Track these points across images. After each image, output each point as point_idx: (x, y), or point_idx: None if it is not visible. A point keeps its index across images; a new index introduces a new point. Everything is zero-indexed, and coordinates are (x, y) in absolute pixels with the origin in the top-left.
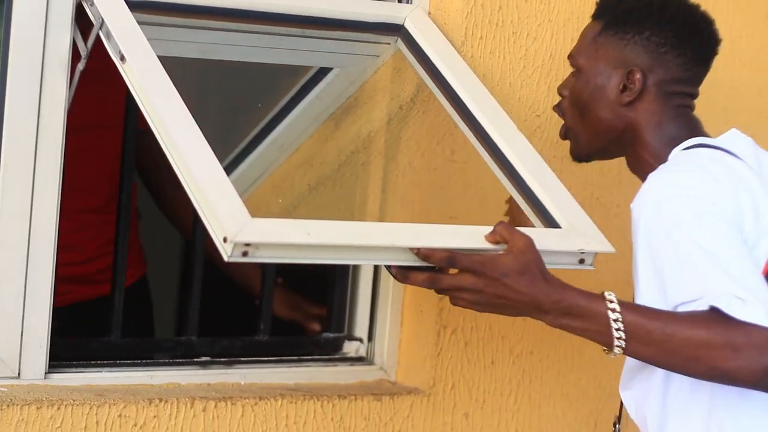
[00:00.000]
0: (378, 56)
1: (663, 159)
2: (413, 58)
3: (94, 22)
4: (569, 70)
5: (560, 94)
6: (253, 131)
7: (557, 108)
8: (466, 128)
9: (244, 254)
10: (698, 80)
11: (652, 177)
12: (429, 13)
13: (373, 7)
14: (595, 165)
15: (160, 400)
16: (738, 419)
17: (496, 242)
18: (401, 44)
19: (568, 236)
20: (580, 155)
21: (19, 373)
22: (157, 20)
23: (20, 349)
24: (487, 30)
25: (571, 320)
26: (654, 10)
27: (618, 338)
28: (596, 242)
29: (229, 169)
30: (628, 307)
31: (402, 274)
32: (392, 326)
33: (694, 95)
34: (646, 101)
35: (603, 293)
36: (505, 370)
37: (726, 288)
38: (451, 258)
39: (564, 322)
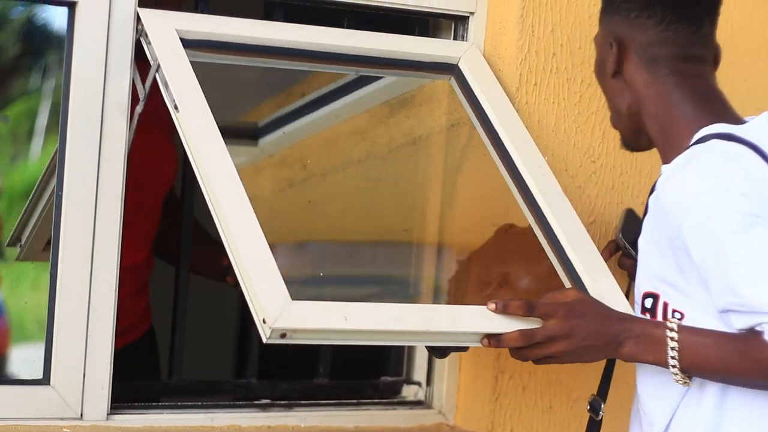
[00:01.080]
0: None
1: (675, 139)
2: (465, 100)
3: (152, 63)
4: None
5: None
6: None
7: None
8: (512, 183)
9: (282, 336)
10: (685, 40)
11: (687, 165)
12: (483, 52)
13: (427, 46)
14: None
15: None
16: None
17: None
18: (454, 83)
19: None
20: (623, 143)
21: (81, 415)
22: (214, 58)
23: (83, 391)
24: (541, 77)
25: (642, 349)
26: None
27: (672, 360)
28: None
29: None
30: (687, 332)
31: (495, 340)
32: (450, 370)
33: (691, 57)
34: (632, 71)
35: (665, 320)
36: (563, 415)
37: None
38: (529, 305)
39: (635, 351)
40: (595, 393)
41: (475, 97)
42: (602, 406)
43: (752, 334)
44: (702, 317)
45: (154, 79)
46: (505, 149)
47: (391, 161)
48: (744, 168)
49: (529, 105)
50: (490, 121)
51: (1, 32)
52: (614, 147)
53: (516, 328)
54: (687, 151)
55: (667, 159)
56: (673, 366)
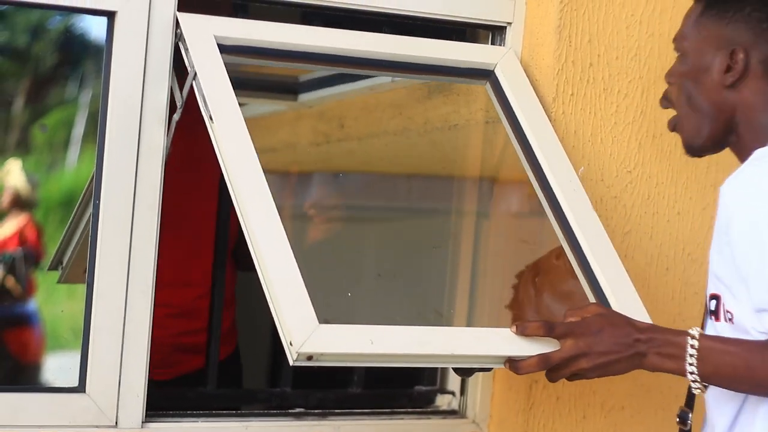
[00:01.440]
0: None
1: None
2: (500, 109)
3: (189, 71)
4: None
5: (668, 82)
6: None
7: (663, 99)
8: (543, 198)
9: (309, 358)
10: None
11: (748, 165)
12: (520, 62)
13: (464, 51)
14: (686, 222)
15: None
16: None
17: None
18: (490, 90)
19: None
20: (691, 147)
21: (116, 422)
22: (252, 63)
23: (117, 398)
24: (578, 87)
25: (665, 358)
26: None
27: (690, 366)
28: None
29: None
30: (711, 338)
31: (513, 366)
32: (484, 380)
33: None
34: (751, 80)
35: (690, 329)
36: (597, 425)
37: None
38: (547, 326)
39: (658, 361)
40: (683, 404)
41: (510, 106)
42: (690, 416)
43: None
44: (747, 317)
45: (191, 87)
46: (538, 163)
47: (426, 147)
48: None
49: (566, 115)
50: (524, 133)
51: (39, 42)
52: (650, 157)
53: (538, 351)
54: (759, 150)
55: None
56: (691, 373)
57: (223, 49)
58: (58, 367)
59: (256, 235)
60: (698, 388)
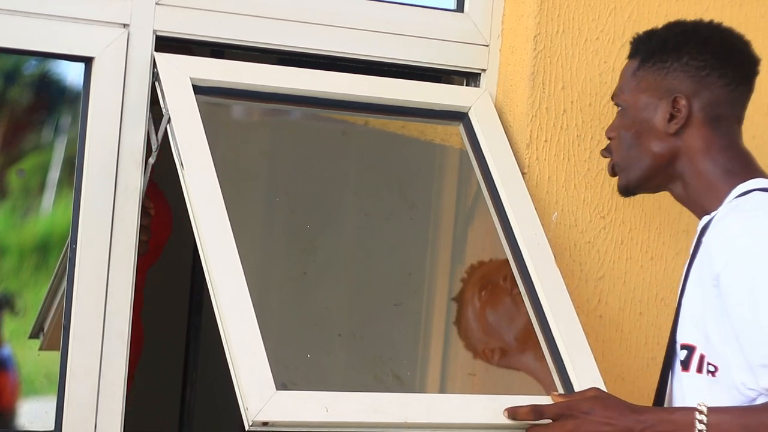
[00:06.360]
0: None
1: (719, 191)
2: (472, 154)
3: (164, 114)
4: None
5: (608, 137)
6: None
7: (605, 151)
8: (509, 253)
9: (265, 424)
10: (743, 102)
11: (731, 218)
12: (495, 103)
13: (439, 93)
14: (659, 267)
15: None
16: None
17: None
18: (463, 133)
19: None
20: (628, 188)
21: None
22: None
23: None
24: (551, 133)
25: None
26: (689, 35)
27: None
28: None
29: None
30: (718, 411)
31: (511, 412)
32: None
33: (741, 119)
34: (694, 127)
35: (696, 405)
36: None
37: None
38: (536, 410)
39: None
40: None
41: (482, 153)
42: None
43: None
44: (736, 372)
45: (166, 130)
46: (506, 215)
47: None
48: None
49: (539, 161)
50: (493, 182)
51: (15, 86)
52: (623, 203)
53: (488, 420)
54: (733, 201)
55: (705, 211)
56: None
57: (199, 90)
58: (33, 411)
59: (219, 292)
60: None
